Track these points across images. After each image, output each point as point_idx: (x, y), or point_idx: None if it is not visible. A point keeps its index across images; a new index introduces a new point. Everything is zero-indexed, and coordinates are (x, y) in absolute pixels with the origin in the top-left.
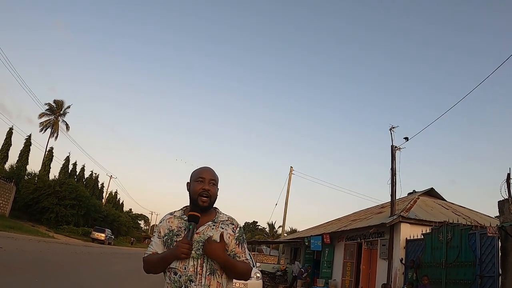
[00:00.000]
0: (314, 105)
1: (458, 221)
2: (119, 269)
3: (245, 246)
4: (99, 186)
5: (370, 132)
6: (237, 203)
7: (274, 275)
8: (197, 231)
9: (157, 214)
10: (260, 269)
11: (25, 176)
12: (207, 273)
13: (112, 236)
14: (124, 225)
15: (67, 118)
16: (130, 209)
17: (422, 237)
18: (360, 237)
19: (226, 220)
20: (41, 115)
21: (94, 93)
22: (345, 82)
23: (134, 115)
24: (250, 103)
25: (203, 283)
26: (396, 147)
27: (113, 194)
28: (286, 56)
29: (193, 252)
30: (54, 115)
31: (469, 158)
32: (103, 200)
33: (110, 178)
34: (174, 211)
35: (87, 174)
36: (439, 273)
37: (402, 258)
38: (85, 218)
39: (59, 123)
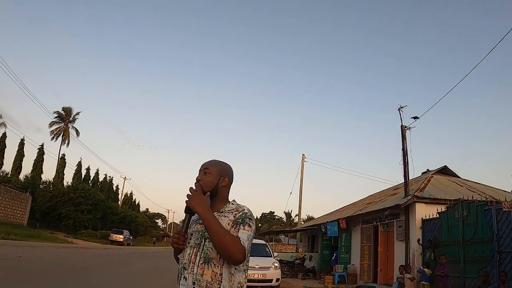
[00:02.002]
0: (322, 91)
1: (473, 197)
2: (137, 268)
3: (246, 228)
4: (114, 188)
5: (379, 114)
6: (253, 195)
7: (293, 263)
8: (201, 222)
9: (173, 212)
10: (278, 258)
11: (40, 185)
12: (200, 262)
13: (131, 237)
14: (142, 225)
15: (76, 124)
16: (147, 209)
17: (438, 216)
18: (376, 220)
19: (233, 209)
20: (51, 124)
21: (98, 95)
22: (350, 66)
23: (140, 114)
24: (256, 95)
25: (195, 272)
26: (406, 127)
27: (129, 195)
28: (291, 44)
29: (192, 241)
30: (64, 122)
31: (481, 134)
32: (119, 202)
33: (125, 180)
34: None
35: (101, 177)
36: (457, 251)
37: (419, 239)
38: (103, 221)
39: (69, 129)
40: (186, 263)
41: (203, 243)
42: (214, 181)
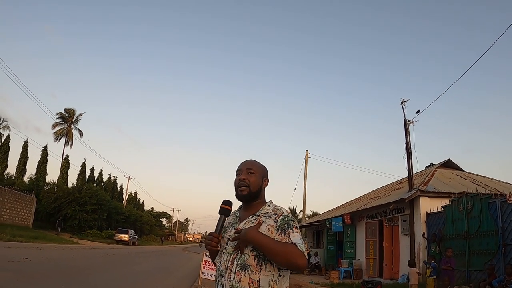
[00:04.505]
0: (324, 87)
1: (477, 190)
2: (143, 268)
3: (294, 231)
4: (118, 188)
5: (382, 109)
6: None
7: None
8: (238, 226)
9: (178, 211)
10: None
11: (45, 187)
12: (237, 269)
13: (136, 236)
14: (147, 224)
15: (79, 125)
16: (152, 208)
17: (442, 209)
18: (381, 214)
19: (270, 212)
20: (54, 125)
21: (99, 95)
22: (353, 62)
23: (140, 113)
24: (259, 92)
25: (232, 279)
26: (408, 121)
27: (133, 194)
28: (294, 40)
29: (229, 247)
30: (67, 123)
31: (485, 126)
32: (123, 201)
33: (129, 179)
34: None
35: (105, 178)
36: (462, 245)
37: (424, 233)
38: (108, 221)
39: (72, 130)
40: (223, 269)
41: None
42: (259, 182)
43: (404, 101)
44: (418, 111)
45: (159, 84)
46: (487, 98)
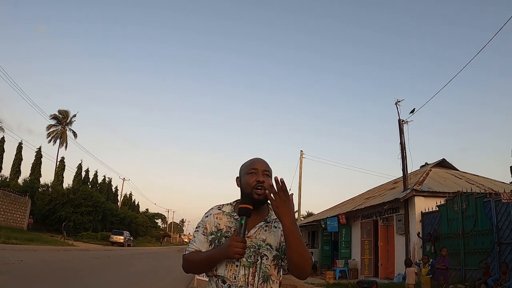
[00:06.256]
0: (318, 88)
1: (472, 190)
2: (139, 269)
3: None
4: (113, 189)
5: (376, 109)
6: None
7: None
8: (248, 235)
9: (173, 212)
10: None
11: (39, 188)
12: (260, 282)
13: (131, 238)
14: (142, 226)
15: (73, 126)
16: (147, 209)
17: (437, 209)
18: (376, 214)
19: None
20: (49, 127)
21: (91, 97)
22: (347, 61)
23: (134, 114)
24: (253, 91)
25: None
26: (403, 120)
27: (128, 196)
28: (287, 39)
29: (243, 259)
30: (61, 125)
31: (478, 126)
32: (118, 203)
33: (123, 181)
34: (223, 205)
35: (100, 179)
36: (457, 244)
37: (419, 232)
38: (103, 223)
39: (67, 132)
40: (242, 285)
41: (259, 261)
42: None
43: (399, 101)
44: (413, 111)
45: (153, 85)
46: (481, 97)
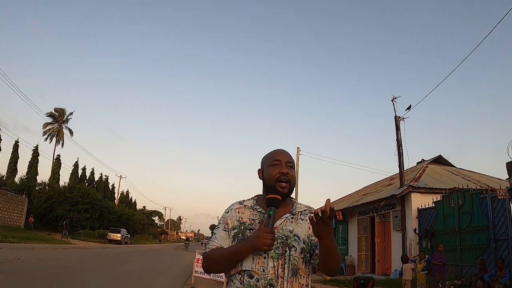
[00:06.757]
0: (314, 84)
1: (468, 186)
2: (136, 267)
3: None
4: (110, 187)
5: (373, 105)
6: (249, 191)
7: None
8: (274, 226)
9: (170, 209)
10: None
11: (36, 187)
12: (289, 275)
13: (128, 236)
14: (139, 223)
15: (70, 124)
16: (144, 207)
17: (434, 205)
18: (372, 211)
19: (305, 210)
20: (45, 125)
21: (87, 94)
22: (343, 58)
23: (130, 112)
24: (249, 87)
25: (285, 287)
26: (399, 117)
27: (125, 193)
28: (286, 36)
29: (271, 251)
30: (57, 123)
31: (475, 122)
32: (115, 201)
33: (120, 178)
34: (244, 200)
35: (97, 177)
36: (453, 240)
37: (415, 228)
38: (100, 221)
39: (63, 130)
40: (272, 278)
41: (287, 252)
42: (295, 177)
43: (395, 98)
44: (409, 107)
45: (149, 83)
46: (478, 93)
